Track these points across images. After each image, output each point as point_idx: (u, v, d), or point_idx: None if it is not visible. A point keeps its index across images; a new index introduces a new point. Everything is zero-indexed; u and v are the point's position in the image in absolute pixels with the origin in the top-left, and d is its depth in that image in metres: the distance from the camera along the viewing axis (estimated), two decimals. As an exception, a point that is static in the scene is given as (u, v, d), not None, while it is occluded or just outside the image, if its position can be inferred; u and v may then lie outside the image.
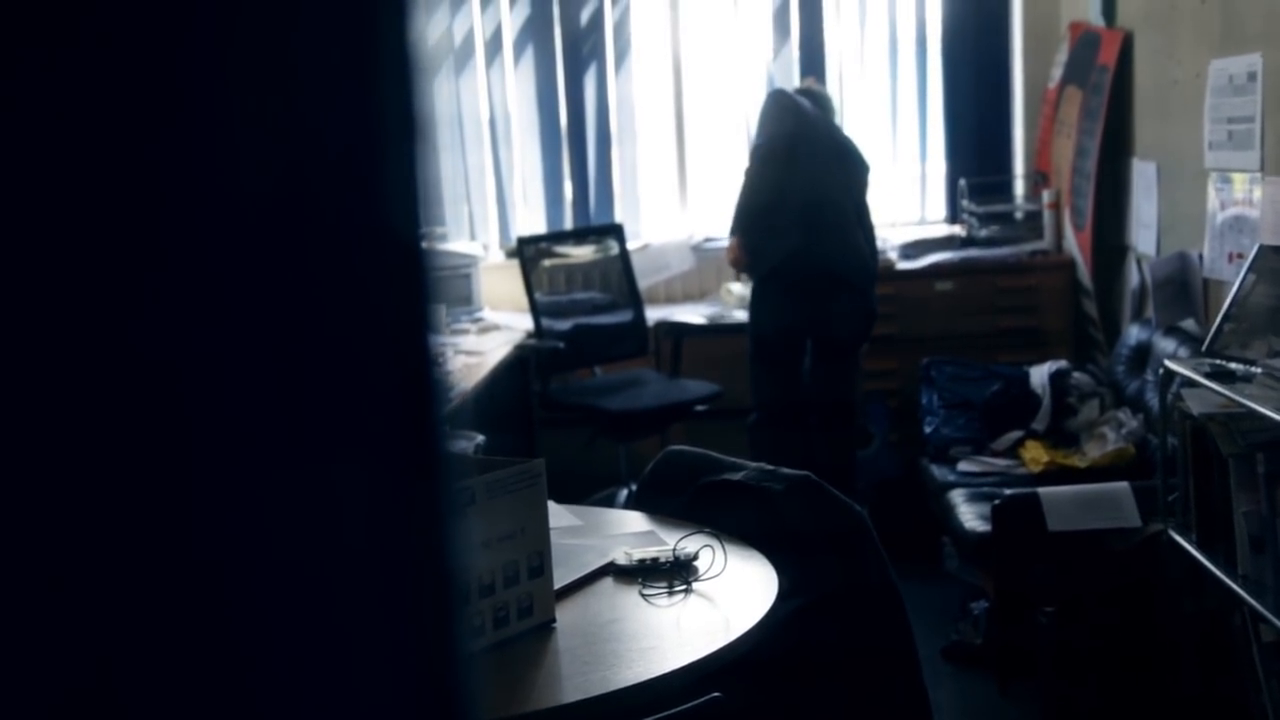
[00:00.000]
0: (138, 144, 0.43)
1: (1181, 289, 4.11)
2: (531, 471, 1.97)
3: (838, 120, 5.16)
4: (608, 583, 2.19)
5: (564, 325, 5.15)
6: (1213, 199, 3.88)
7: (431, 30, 5.53)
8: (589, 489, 4.73)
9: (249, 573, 0.46)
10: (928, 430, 4.64)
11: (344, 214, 0.46)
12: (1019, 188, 5.70)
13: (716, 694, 2.02)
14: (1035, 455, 4.25)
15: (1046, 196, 5.37)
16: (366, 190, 0.46)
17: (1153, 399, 3.81)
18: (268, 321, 0.45)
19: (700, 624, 2.01)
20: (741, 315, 5.07)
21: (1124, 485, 3.59)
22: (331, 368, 0.46)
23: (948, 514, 4.09)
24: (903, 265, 5.32)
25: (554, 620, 2.00)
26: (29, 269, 0.43)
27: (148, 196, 0.44)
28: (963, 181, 5.62)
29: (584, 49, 5.76)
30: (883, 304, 4.88)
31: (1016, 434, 4.43)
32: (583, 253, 5.48)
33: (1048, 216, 5.37)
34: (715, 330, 5.23)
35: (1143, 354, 4.26)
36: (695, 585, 2.13)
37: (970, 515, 3.92)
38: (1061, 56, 5.36)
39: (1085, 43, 5.08)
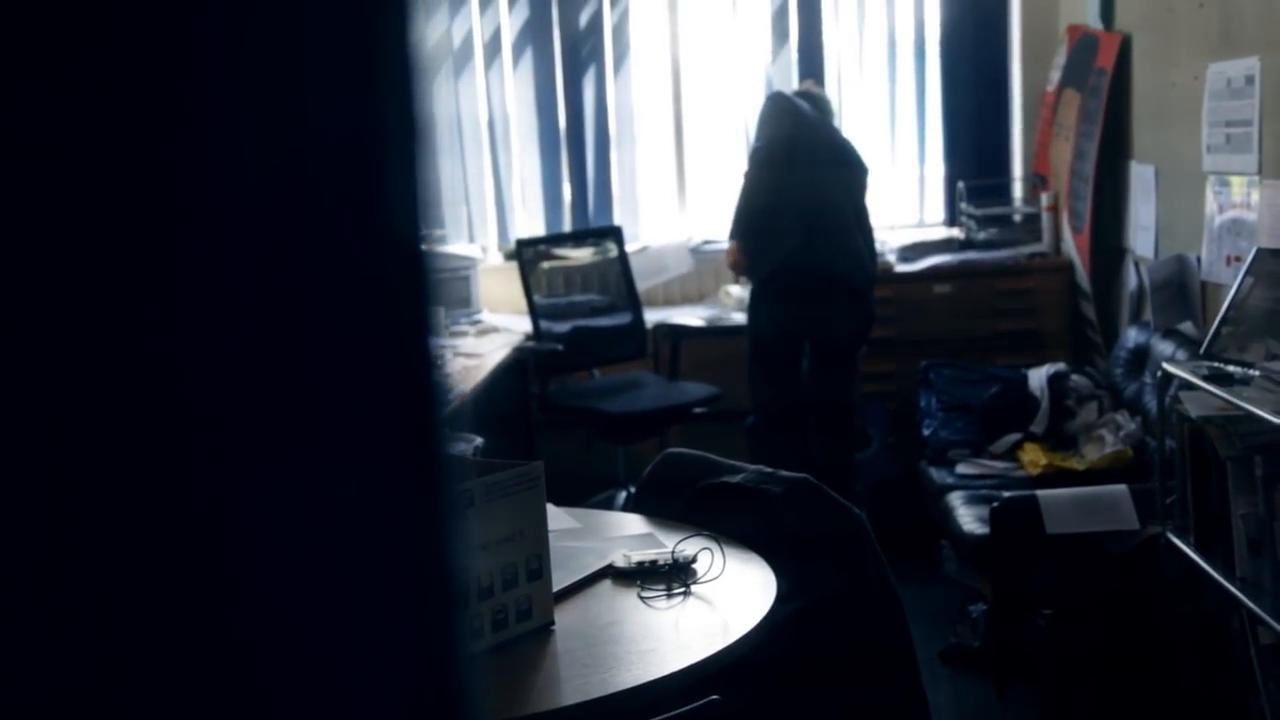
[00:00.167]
0: (140, 147, 0.44)
1: (1179, 292, 4.11)
2: (530, 474, 1.97)
3: (836, 123, 5.17)
4: (606, 585, 2.19)
5: (562, 327, 5.15)
6: (1211, 202, 3.89)
7: (430, 32, 5.53)
8: (587, 491, 4.72)
9: (250, 575, 0.46)
10: (926, 433, 4.64)
11: (345, 216, 0.46)
12: (1017, 190, 5.70)
13: (715, 696, 2.02)
14: (1033, 458, 4.25)
15: (1045, 199, 5.37)
16: (368, 192, 0.46)
17: (1151, 401, 3.81)
18: (269, 323, 0.45)
19: (699, 626, 2.01)
20: (740, 317, 5.08)
21: (1122, 488, 3.59)
22: (333, 369, 0.46)
23: (946, 516, 4.09)
24: (901, 268, 5.33)
25: (553, 623, 2.00)
26: (31, 269, 0.43)
27: (151, 198, 0.44)
28: (961, 184, 5.62)
29: (583, 51, 5.76)
30: (881, 306, 4.89)
31: (1015, 436, 4.43)
32: (581, 255, 5.48)
33: (1046, 219, 5.37)
34: (714, 332, 5.24)
35: (1141, 357, 4.26)
36: (694, 588, 2.13)
37: (968, 518, 3.92)
38: (1060, 59, 5.36)
39: (1083, 46, 5.08)
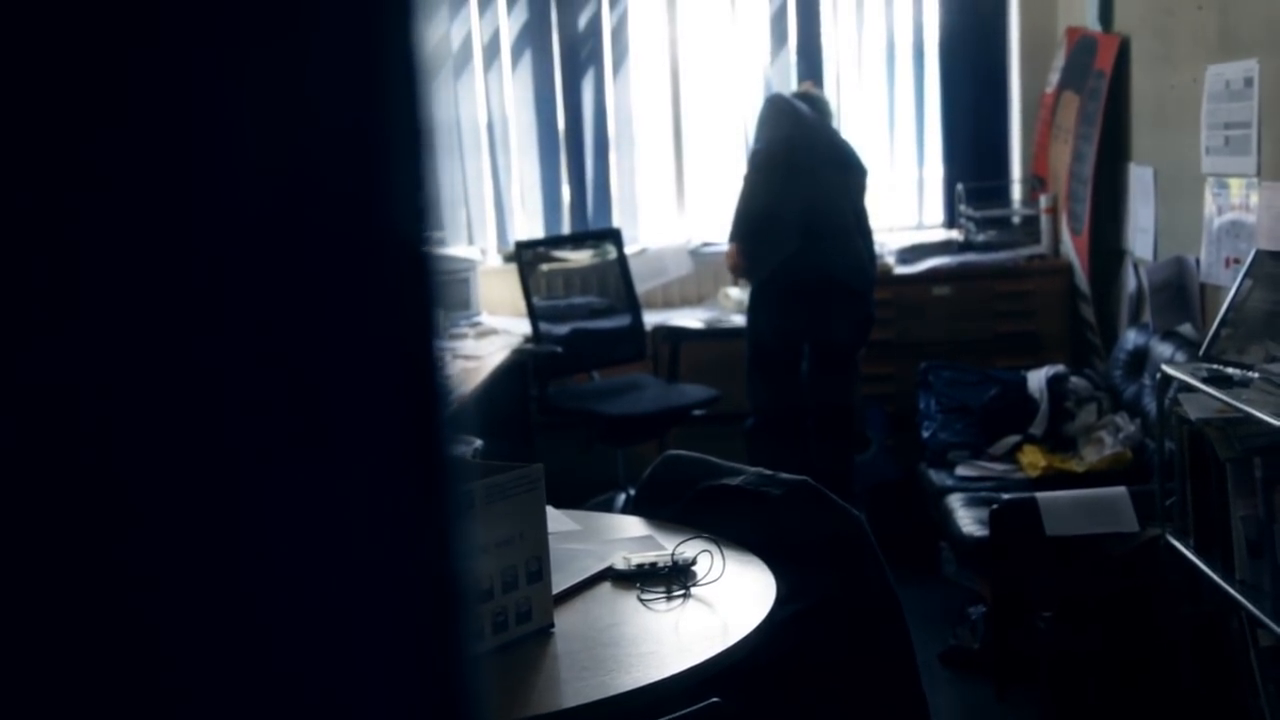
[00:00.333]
0: (146, 149, 0.44)
1: (1179, 294, 4.11)
2: (530, 476, 1.97)
3: (835, 124, 5.17)
4: (606, 587, 2.19)
5: (562, 330, 5.14)
6: (1210, 204, 3.89)
7: (430, 35, 5.52)
8: (586, 493, 4.72)
9: (255, 576, 0.46)
10: (925, 435, 4.64)
11: (352, 217, 0.46)
12: (1016, 192, 5.71)
13: (715, 699, 2.02)
14: (1033, 460, 4.25)
15: (1044, 201, 5.37)
16: (374, 194, 0.46)
17: (1150, 403, 3.81)
18: (275, 324, 0.45)
19: (699, 629, 2.01)
20: (739, 320, 5.08)
21: (1121, 490, 3.59)
22: (339, 371, 0.46)
23: (945, 519, 4.09)
24: (900, 270, 5.33)
25: (552, 625, 2.00)
26: (32, 269, 0.43)
27: (157, 200, 0.44)
28: (960, 186, 5.63)
29: (582, 54, 5.76)
30: (880, 308, 4.89)
31: (1014, 438, 4.43)
32: (580, 257, 5.48)
33: (1045, 221, 5.37)
34: (713, 335, 5.24)
35: (1140, 359, 4.27)
36: (693, 590, 2.13)
37: (968, 520, 3.92)
38: (1058, 61, 5.36)
39: (1082, 48, 5.08)
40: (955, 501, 4.10)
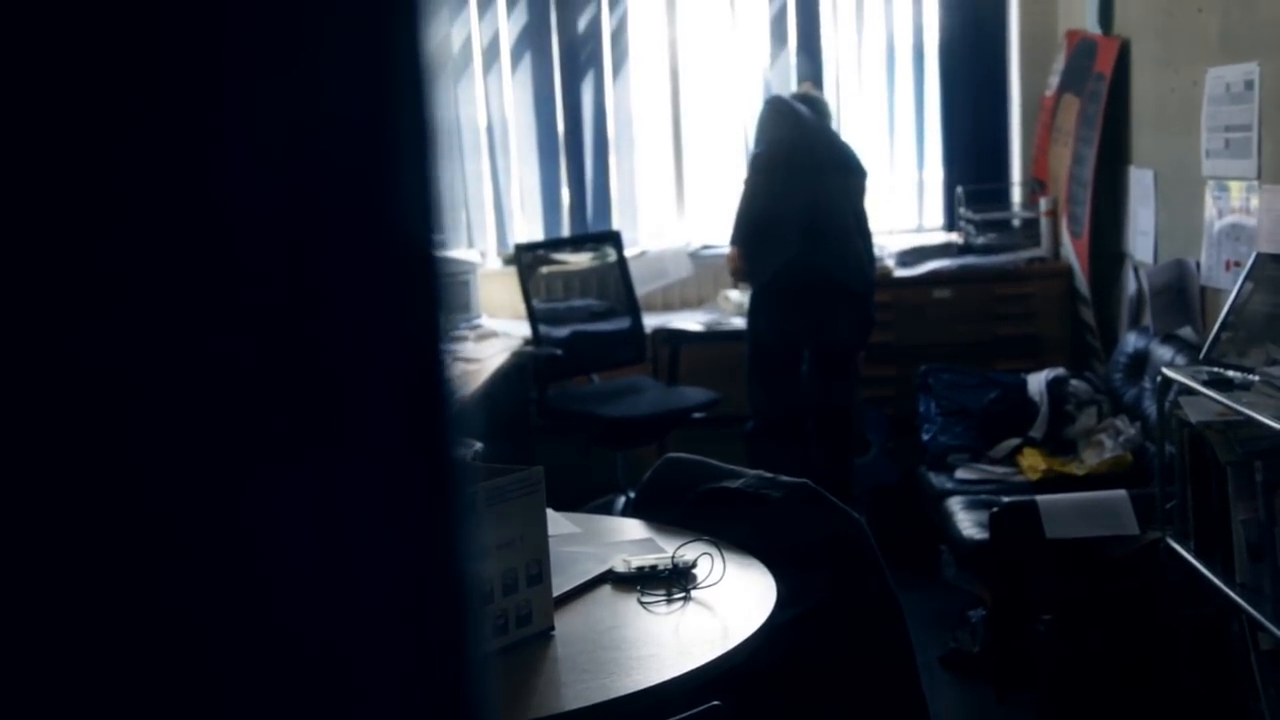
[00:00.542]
0: (152, 149, 0.43)
1: (1179, 297, 4.11)
2: (530, 479, 1.96)
3: (835, 127, 5.16)
4: (606, 590, 2.19)
5: (561, 332, 5.14)
6: (1210, 207, 3.89)
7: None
8: (586, 496, 4.72)
9: (260, 578, 0.46)
10: (925, 438, 4.64)
11: (360, 219, 0.46)
12: (1016, 195, 5.71)
13: (715, 702, 2.02)
14: (1033, 463, 4.25)
15: (1044, 204, 5.37)
16: (383, 195, 0.46)
17: (1150, 407, 3.81)
18: (282, 326, 0.45)
19: (699, 632, 2.01)
20: (739, 322, 5.07)
21: (1122, 493, 3.59)
22: (347, 372, 0.46)
23: (945, 522, 4.09)
24: (900, 273, 5.33)
25: (553, 628, 2.00)
26: (34, 270, 0.43)
27: (175, 198, 0.44)
28: (960, 189, 5.62)
29: (581, 56, 5.76)
30: (880, 311, 4.89)
31: (1014, 441, 4.43)
32: (580, 260, 5.48)
33: (1045, 224, 5.37)
34: (713, 337, 5.23)
35: (1140, 362, 4.27)
36: (694, 593, 2.13)
37: (968, 523, 3.92)
38: (1058, 64, 5.36)
39: (1082, 51, 5.08)
40: (955, 504, 4.10)
